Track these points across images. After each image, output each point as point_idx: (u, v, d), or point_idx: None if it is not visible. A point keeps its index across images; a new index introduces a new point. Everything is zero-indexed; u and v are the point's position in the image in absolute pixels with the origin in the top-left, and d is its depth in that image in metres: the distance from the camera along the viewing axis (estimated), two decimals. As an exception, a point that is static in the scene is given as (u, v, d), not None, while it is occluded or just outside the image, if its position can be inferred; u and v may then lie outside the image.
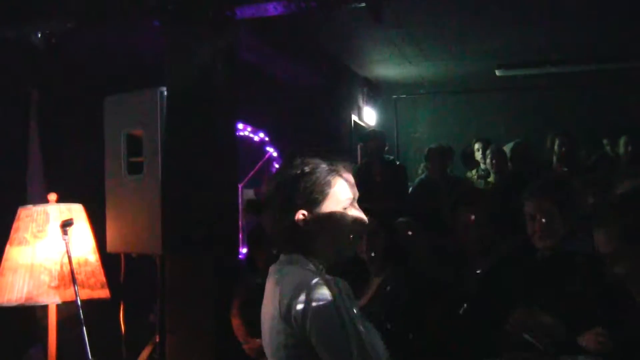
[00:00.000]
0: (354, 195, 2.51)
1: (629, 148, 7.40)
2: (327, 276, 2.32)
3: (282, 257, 2.50)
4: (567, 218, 3.72)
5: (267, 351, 2.42)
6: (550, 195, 3.76)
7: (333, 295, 2.23)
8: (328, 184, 2.45)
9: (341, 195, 2.47)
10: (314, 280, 2.28)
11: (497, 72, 9.79)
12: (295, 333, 2.25)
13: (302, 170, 2.44)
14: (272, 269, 2.51)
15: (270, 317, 2.36)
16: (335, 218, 2.45)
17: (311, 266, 2.41)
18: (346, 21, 7.45)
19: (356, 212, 2.50)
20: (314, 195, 2.42)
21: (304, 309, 2.22)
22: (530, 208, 3.79)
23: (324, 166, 2.47)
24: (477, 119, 10.67)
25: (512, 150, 7.67)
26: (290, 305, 2.24)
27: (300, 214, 2.41)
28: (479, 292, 4.13)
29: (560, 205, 3.72)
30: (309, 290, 2.24)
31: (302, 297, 2.23)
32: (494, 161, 7.92)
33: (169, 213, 4.75)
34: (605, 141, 8.27)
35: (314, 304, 2.22)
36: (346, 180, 2.50)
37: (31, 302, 4.23)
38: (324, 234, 2.44)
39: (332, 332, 2.21)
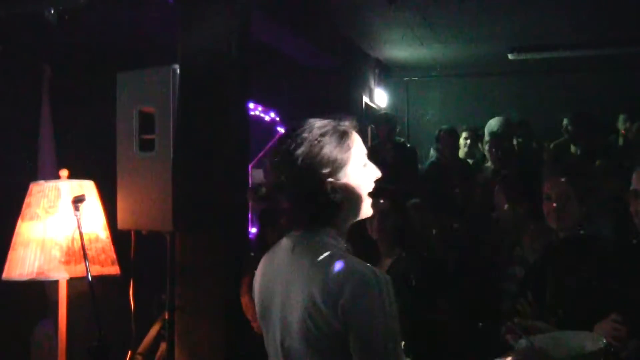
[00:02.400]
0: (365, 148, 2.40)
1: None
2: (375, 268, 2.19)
3: (300, 232, 2.34)
4: (583, 201, 3.71)
5: (294, 336, 2.23)
6: (566, 176, 3.76)
7: (380, 288, 2.12)
8: (347, 144, 2.32)
9: (361, 152, 2.36)
10: (365, 267, 2.16)
11: (510, 56, 9.74)
12: (337, 321, 2.11)
13: (315, 137, 2.29)
14: (288, 244, 2.38)
15: (304, 300, 2.18)
16: (362, 178, 2.35)
17: (342, 243, 2.28)
18: (359, 1, 7.43)
19: (373, 166, 2.40)
20: (338, 159, 2.28)
21: (353, 297, 2.09)
22: (547, 188, 3.79)
23: (334, 125, 2.34)
24: (489, 102, 10.62)
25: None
26: (340, 292, 2.10)
27: (329, 184, 2.25)
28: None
29: (576, 187, 3.72)
30: (361, 277, 2.12)
31: (354, 285, 2.10)
32: (492, 149, 7.84)
33: (179, 191, 4.76)
34: (622, 117, 8.26)
35: (364, 293, 2.10)
36: (357, 134, 2.40)
37: (42, 277, 4.25)
38: (350, 199, 2.32)
39: (375, 324, 2.09)
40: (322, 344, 2.16)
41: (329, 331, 2.13)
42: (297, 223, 2.37)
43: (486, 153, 7.98)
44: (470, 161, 8.44)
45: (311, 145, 2.26)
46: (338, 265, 2.15)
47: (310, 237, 2.31)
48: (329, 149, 2.27)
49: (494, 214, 5.15)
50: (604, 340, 2.93)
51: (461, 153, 8.47)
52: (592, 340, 2.97)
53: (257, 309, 2.45)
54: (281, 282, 2.32)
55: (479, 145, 8.65)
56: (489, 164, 7.94)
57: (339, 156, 2.28)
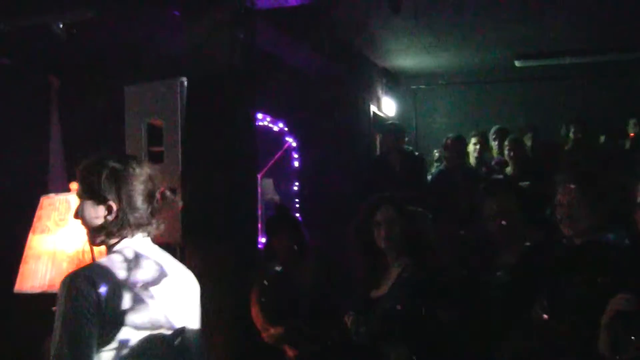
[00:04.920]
0: None
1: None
2: None
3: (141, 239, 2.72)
4: (594, 208, 3.71)
5: (193, 320, 2.84)
6: (576, 183, 3.76)
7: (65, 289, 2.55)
8: None
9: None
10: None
11: (517, 63, 9.75)
12: None
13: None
14: (143, 249, 2.72)
15: (193, 292, 2.89)
16: None
17: None
18: (364, 11, 7.45)
19: None
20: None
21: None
22: (559, 195, 3.80)
23: None
24: (496, 109, 10.62)
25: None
26: None
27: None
28: (509, 281, 4.13)
29: (587, 194, 3.72)
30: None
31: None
32: (512, 153, 7.90)
33: (188, 202, 4.78)
34: (632, 122, 8.29)
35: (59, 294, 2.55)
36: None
37: (54, 289, 4.26)
38: None
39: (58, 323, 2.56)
40: None
41: None
42: None
43: (506, 158, 8.03)
44: (482, 169, 8.45)
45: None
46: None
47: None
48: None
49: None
50: None
51: (471, 159, 8.48)
52: None
53: None
54: (176, 282, 2.91)
55: (489, 150, 8.67)
56: (509, 169, 7.97)
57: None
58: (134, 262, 2.61)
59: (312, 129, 7.84)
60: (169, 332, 2.65)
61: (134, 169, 2.63)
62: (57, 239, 4.32)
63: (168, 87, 4.90)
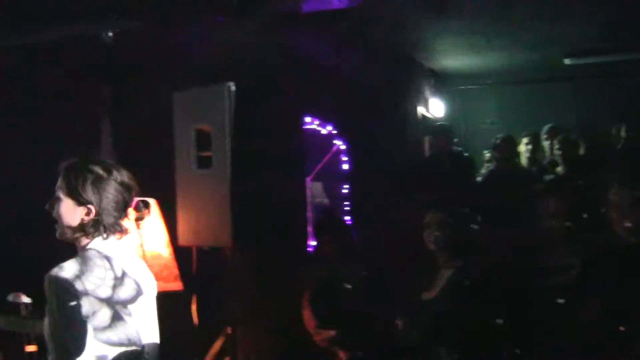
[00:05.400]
0: None
1: None
2: None
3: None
4: None
5: (155, 334, 2.91)
6: (628, 182, 3.71)
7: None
8: None
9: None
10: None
11: (566, 61, 9.61)
12: None
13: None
14: (112, 251, 2.77)
15: (154, 301, 2.93)
16: None
17: None
18: (409, 12, 7.41)
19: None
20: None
21: None
22: (611, 193, 3.76)
23: None
24: (546, 109, 10.48)
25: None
26: None
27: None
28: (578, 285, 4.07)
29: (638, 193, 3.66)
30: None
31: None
32: (562, 152, 7.79)
33: (238, 206, 4.81)
34: None
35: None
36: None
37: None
38: None
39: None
40: None
41: None
42: None
43: (557, 158, 7.94)
44: (534, 168, 8.36)
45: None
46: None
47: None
48: None
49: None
50: None
51: (523, 159, 8.40)
52: None
53: None
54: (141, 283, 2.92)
55: (541, 150, 8.57)
56: (559, 168, 7.87)
57: None
58: (119, 280, 2.74)
59: (361, 132, 7.82)
60: (139, 348, 2.78)
61: (116, 177, 2.77)
62: (110, 245, 4.37)
63: (216, 92, 4.93)
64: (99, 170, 2.75)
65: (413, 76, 9.93)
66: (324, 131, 7.80)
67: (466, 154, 8.62)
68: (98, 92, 6.22)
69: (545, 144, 8.51)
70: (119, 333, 2.69)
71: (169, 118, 5.19)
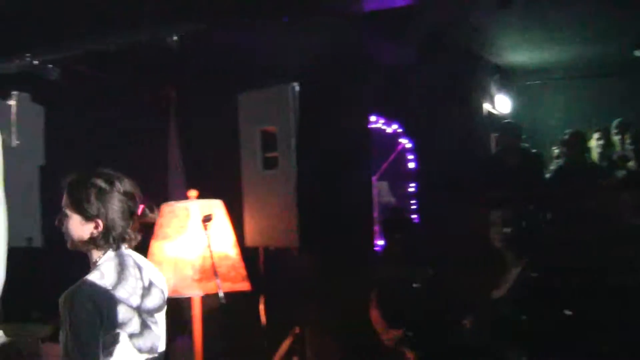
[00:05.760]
0: None
1: None
2: None
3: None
4: None
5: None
6: None
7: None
8: None
9: None
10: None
11: (637, 53, 9.38)
12: None
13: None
14: (129, 259, 2.82)
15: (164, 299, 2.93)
16: None
17: None
18: (472, 8, 7.33)
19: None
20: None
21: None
22: None
23: None
24: (615, 103, 10.26)
25: None
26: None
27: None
28: None
29: None
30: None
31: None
32: (633, 146, 7.63)
33: (304, 206, 4.81)
34: None
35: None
36: None
37: (176, 295, 4.37)
38: None
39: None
40: None
41: None
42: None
43: (628, 153, 7.78)
44: (604, 164, 8.19)
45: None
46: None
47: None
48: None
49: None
50: None
51: (594, 154, 8.25)
52: None
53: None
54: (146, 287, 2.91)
55: (612, 145, 8.40)
56: (631, 163, 7.71)
57: None
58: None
59: (427, 130, 7.77)
60: (158, 356, 2.87)
61: (119, 188, 2.82)
62: (178, 246, 4.42)
63: (280, 93, 4.94)
64: (101, 183, 2.80)
65: (478, 72, 9.82)
66: (389, 130, 7.77)
67: (534, 151, 8.49)
68: (164, 96, 6.29)
69: (616, 138, 8.33)
70: (147, 341, 2.78)
71: (234, 119, 5.23)
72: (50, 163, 5.34)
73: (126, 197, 2.83)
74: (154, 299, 2.87)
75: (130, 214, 2.84)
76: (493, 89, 10.26)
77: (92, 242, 2.78)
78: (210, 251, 4.21)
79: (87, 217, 2.76)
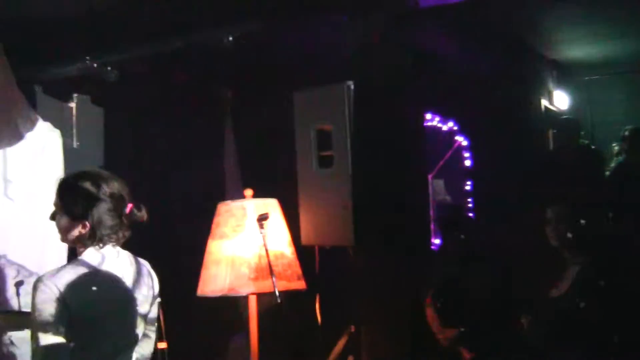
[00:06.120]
0: None
1: None
2: None
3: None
4: None
5: (141, 320, 2.95)
6: None
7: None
8: None
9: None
10: None
11: (703, 46, 9.16)
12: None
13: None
14: (124, 256, 2.95)
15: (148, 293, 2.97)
16: None
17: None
18: (530, 2, 7.24)
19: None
20: None
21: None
22: None
23: None
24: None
25: None
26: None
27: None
28: None
29: None
30: None
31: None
32: None
33: (360, 205, 4.81)
34: None
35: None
36: None
37: (233, 293, 4.43)
38: None
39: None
40: None
41: None
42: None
43: None
44: None
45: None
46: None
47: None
48: None
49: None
50: None
51: None
52: None
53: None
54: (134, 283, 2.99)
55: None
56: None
57: None
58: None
59: (483, 127, 7.70)
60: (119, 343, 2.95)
61: (105, 191, 2.88)
62: (235, 245, 4.46)
63: (336, 91, 4.95)
64: (88, 186, 2.87)
65: (535, 68, 9.69)
66: (445, 128, 7.73)
67: (593, 147, 8.36)
68: (221, 95, 6.35)
69: None
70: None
71: (289, 118, 5.25)
72: (110, 164, 5.43)
73: (113, 199, 2.90)
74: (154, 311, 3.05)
75: (118, 214, 2.91)
76: (551, 84, 10.12)
77: (79, 240, 2.88)
78: (266, 250, 4.24)
79: (75, 219, 2.85)
